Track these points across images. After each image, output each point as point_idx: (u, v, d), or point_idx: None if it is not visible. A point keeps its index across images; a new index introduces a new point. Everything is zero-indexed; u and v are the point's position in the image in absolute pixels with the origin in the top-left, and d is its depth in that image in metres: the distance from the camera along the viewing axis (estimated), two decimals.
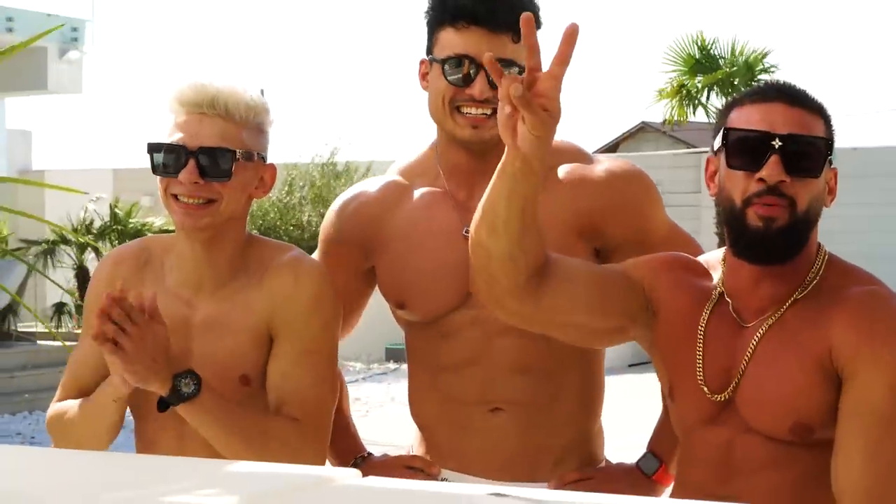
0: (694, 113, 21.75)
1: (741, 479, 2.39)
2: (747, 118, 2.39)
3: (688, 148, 24.22)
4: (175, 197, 2.71)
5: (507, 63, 2.76)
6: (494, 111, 2.71)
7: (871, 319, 2.33)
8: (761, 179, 2.34)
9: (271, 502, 1.93)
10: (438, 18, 2.84)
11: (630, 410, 8.45)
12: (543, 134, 2.26)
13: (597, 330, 2.56)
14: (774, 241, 2.35)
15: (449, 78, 2.81)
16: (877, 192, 17.85)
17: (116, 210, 17.04)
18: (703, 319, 2.46)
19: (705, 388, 2.42)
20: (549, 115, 2.26)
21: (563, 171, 2.88)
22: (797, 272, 2.41)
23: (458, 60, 2.79)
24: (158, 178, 2.72)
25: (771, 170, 2.33)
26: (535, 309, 2.46)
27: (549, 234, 2.73)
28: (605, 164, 2.91)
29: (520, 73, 2.73)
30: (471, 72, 2.79)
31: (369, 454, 3.05)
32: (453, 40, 2.81)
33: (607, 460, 3.01)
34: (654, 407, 2.89)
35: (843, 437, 2.30)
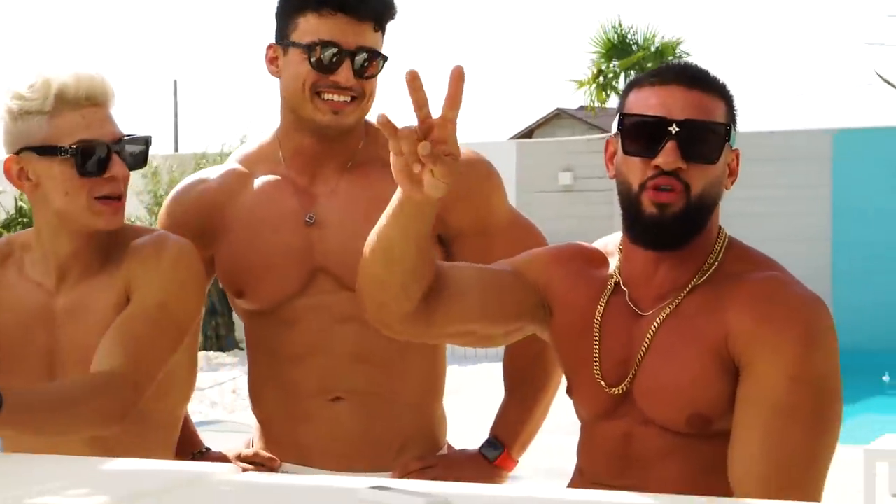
0: (608, 99, 21.89)
1: (639, 470, 2.34)
2: (645, 102, 2.33)
3: (602, 133, 24.34)
4: (97, 197, 2.63)
5: (369, 51, 2.80)
6: (354, 98, 2.79)
7: (769, 306, 2.27)
8: (657, 166, 2.30)
9: (146, 502, 1.88)
10: (299, 4, 2.84)
11: None
12: (451, 178, 2.23)
13: (494, 334, 2.54)
14: (669, 226, 2.31)
15: (313, 63, 2.80)
16: (799, 175, 17.97)
17: (21, 203, 16.82)
18: (599, 312, 2.42)
19: (602, 382, 2.38)
20: (452, 158, 2.22)
21: None
22: (695, 258, 2.36)
23: (322, 46, 2.79)
24: (76, 179, 2.60)
25: (667, 156, 2.28)
26: (428, 328, 2.45)
27: None
28: None
29: (378, 60, 2.81)
30: (335, 58, 2.79)
31: (207, 450, 3.00)
32: (317, 26, 2.80)
33: (450, 446, 2.99)
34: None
35: (741, 427, 2.24)
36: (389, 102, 2.72)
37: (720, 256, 2.38)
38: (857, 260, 17.57)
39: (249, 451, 2.93)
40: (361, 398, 2.85)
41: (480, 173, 2.89)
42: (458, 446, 3.00)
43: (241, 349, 18.09)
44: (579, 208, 17.88)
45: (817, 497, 2.22)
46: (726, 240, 2.40)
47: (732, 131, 2.35)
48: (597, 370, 2.38)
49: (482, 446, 2.91)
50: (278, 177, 2.91)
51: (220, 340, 18.56)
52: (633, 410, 2.35)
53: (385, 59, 2.83)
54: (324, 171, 2.88)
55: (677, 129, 2.28)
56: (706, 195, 2.32)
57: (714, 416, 2.28)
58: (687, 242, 2.34)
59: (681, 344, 2.31)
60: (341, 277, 2.81)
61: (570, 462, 2.56)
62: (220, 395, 13.77)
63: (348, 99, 2.80)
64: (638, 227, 2.34)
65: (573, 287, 2.46)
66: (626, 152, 2.34)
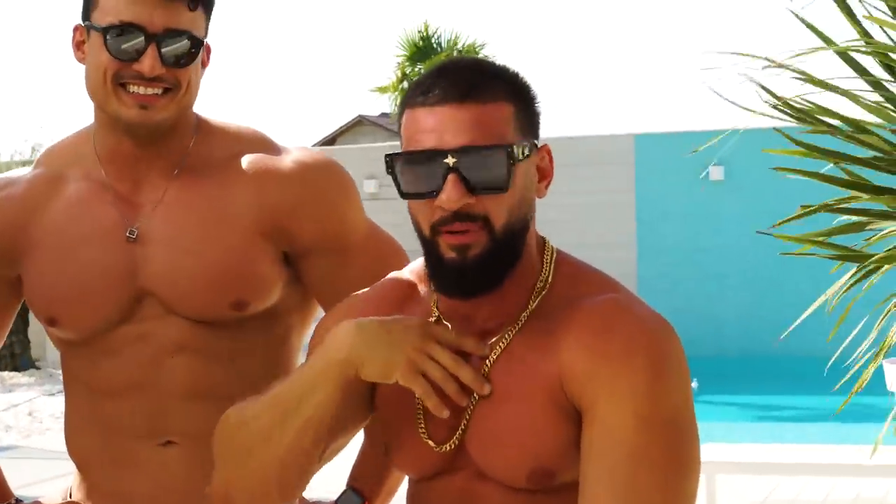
0: None
1: None
2: (416, 128, 2.00)
3: None
4: None
5: (182, 34, 2.43)
6: (167, 90, 2.44)
7: (604, 337, 1.98)
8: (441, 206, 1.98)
9: None
10: None
11: None
12: None
13: (347, 441, 2.22)
14: (473, 272, 1.99)
15: (112, 50, 2.43)
16: (601, 180, 18.08)
17: None
18: None
19: (430, 442, 2.08)
20: None
21: (246, 161, 2.54)
22: (521, 283, 2.07)
23: (123, 29, 2.42)
24: None
25: (450, 193, 1.96)
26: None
27: (229, 236, 2.47)
28: (295, 155, 2.56)
29: (192, 45, 2.45)
30: (139, 44, 2.42)
31: (18, 501, 2.65)
32: (118, 5, 2.42)
33: (302, 498, 2.62)
34: None
35: (588, 480, 1.95)
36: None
37: (549, 279, 2.09)
38: (661, 266, 17.78)
39: (66, 502, 2.62)
40: (196, 442, 2.49)
41: (331, 180, 2.57)
42: (311, 496, 2.64)
43: (38, 368, 17.56)
44: (386, 216, 17.62)
45: None
46: (554, 256, 2.12)
47: (518, 148, 1.99)
48: (422, 429, 2.09)
49: (339, 497, 2.55)
50: (95, 183, 2.55)
51: (15, 359, 17.94)
52: (468, 464, 2.06)
53: (200, 43, 2.48)
54: (148, 178, 2.53)
55: (454, 160, 1.96)
56: (512, 223, 2.01)
57: (558, 469, 2.01)
58: (500, 283, 2.02)
59: (515, 388, 2.02)
60: (170, 302, 2.49)
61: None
62: (15, 419, 13.20)
63: (159, 91, 2.44)
64: (440, 275, 2.02)
65: None
66: (404, 196, 2.02)
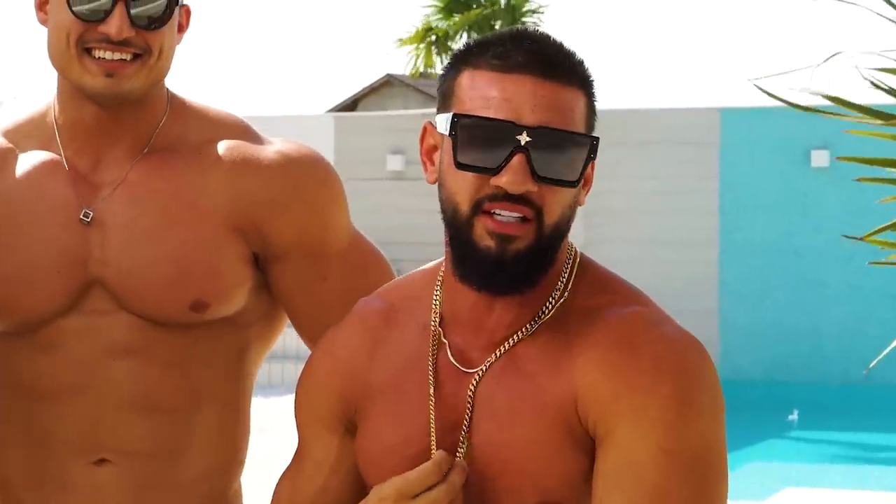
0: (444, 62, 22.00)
1: None
2: (483, 94, 2.10)
3: None
4: None
5: None
6: (136, 55, 2.56)
7: (628, 357, 2.10)
8: (499, 186, 2.08)
9: None
10: None
11: None
12: None
13: None
14: (511, 268, 2.10)
15: (76, 9, 2.55)
16: (669, 163, 18.01)
17: None
18: (431, 383, 2.20)
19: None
20: None
21: (223, 146, 2.67)
22: (542, 290, 2.18)
23: None
24: None
25: (514, 176, 2.06)
26: None
27: (195, 227, 2.59)
28: (277, 146, 2.70)
29: (167, 5, 2.55)
30: (106, 3, 2.54)
31: None
32: None
33: None
34: None
35: None
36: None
37: (569, 286, 2.20)
38: (748, 269, 17.68)
39: None
40: (135, 462, 2.64)
41: (316, 177, 2.69)
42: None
43: None
44: (412, 201, 17.69)
45: None
46: (578, 260, 2.23)
47: (597, 146, 2.13)
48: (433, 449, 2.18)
49: None
50: (50, 156, 2.67)
51: None
52: (469, 494, 2.14)
53: (176, 2, 2.61)
54: (111, 155, 2.65)
55: (528, 139, 2.06)
56: (561, 223, 2.14)
57: (567, 501, 2.12)
58: (533, 285, 2.14)
59: (521, 408, 2.13)
60: (121, 294, 2.60)
61: None
62: None
63: (128, 57, 2.57)
64: (469, 264, 2.14)
65: (386, 372, 2.26)
66: (459, 165, 2.11)
